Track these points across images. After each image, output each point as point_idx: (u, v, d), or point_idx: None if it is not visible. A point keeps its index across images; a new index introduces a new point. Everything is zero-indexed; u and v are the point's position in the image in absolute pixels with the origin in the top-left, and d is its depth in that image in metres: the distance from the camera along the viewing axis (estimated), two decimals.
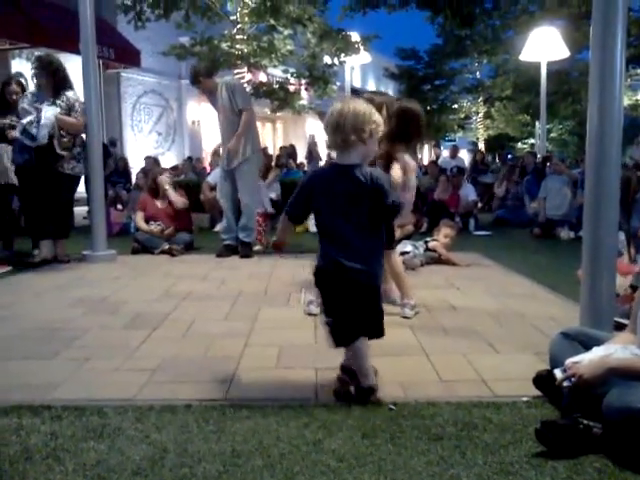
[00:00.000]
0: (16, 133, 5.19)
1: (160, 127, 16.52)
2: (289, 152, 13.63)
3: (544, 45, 12.58)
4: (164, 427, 2.12)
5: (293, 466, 1.85)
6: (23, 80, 6.24)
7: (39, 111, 5.09)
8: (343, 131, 2.30)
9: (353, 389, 2.39)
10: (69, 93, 5.38)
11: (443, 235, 5.71)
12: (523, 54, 13.28)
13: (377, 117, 2.36)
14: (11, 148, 5.45)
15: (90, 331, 3.33)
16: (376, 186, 2.31)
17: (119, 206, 8.58)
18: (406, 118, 3.62)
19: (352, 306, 2.32)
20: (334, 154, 2.46)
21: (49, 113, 5.14)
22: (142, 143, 15.43)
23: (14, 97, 5.60)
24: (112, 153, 10.87)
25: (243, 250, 6.00)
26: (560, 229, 7.81)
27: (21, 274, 5.12)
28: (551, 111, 18.37)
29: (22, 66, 11.20)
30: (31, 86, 6.10)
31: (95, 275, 5.05)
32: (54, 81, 5.33)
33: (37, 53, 11.66)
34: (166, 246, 6.20)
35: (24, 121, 5.10)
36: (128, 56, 12.86)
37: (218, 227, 7.44)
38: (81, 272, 5.13)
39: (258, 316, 3.64)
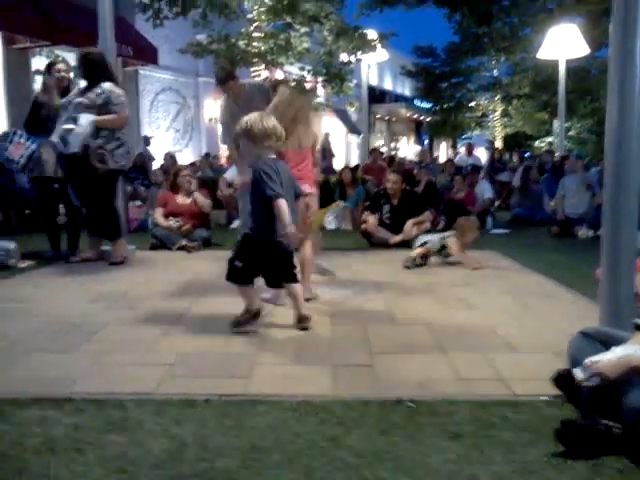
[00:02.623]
0: (54, 138, 4.99)
1: (177, 124, 16.60)
2: None
3: (563, 43, 12.45)
4: (183, 421, 2.14)
5: (311, 462, 1.86)
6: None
7: (76, 120, 4.90)
8: (280, 138, 3.25)
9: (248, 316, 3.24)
10: (105, 85, 5.09)
11: (472, 238, 5.45)
12: (541, 52, 13.15)
13: None
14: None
15: (109, 326, 3.36)
16: None
17: (137, 202, 8.63)
18: None
19: (280, 264, 3.26)
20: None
21: (83, 120, 4.89)
22: (160, 140, 15.51)
23: (62, 74, 5.51)
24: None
25: None
26: (579, 227, 7.75)
27: (43, 269, 5.18)
28: (570, 109, 18.18)
29: (42, 64, 11.32)
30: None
31: (114, 271, 5.09)
32: (88, 72, 5.15)
33: (57, 51, 11.84)
34: (183, 242, 6.25)
35: (64, 127, 4.91)
36: (146, 53, 12.94)
37: (235, 224, 7.48)
38: (101, 267, 5.17)
39: (275, 312, 3.65)
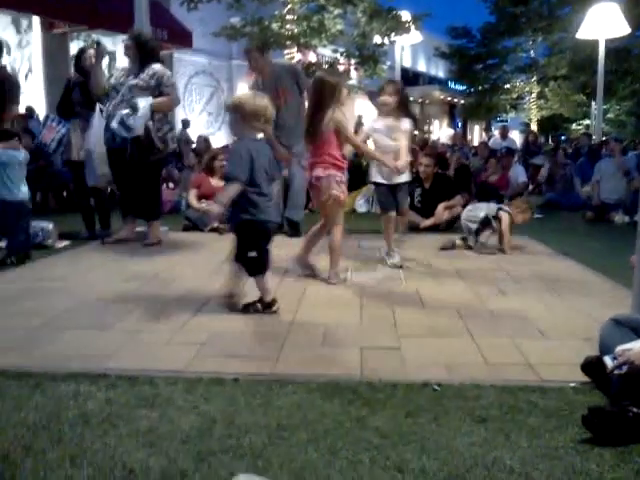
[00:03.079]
0: (113, 124, 5.01)
1: (211, 107, 16.71)
2: None
3: (603, 22, 12.08)
4: (212, 399, 2.19)
5: (337, 441, 1.89)
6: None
7: (134, 104, 4.93)
8: (268, 120, 3.19)
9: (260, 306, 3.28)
10: (156, 66, 5.13)
11: (524, 219, 5.43)
12: (580, 32, 12.78)
13: None
14: (78, 121, 5.52)
15: (142, 305, 3.43)
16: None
17: (170, 184, 8.74)
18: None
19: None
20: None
21: (143, 103, 4.93)
22: (193, 123, 15.65)
23: (93, 60, 5.50)
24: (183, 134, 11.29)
25: (291, 229, 5.99)
26: (614, 213, 7.57)
27: (79, 248, 5.30)
28: (609, 91, 17.68)
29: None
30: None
31: (148, 251, 5.18)
32: (140, 54, 5.15)
33: (94, 35, 12.00)
34: (216, 224, 6.32)
35: (123, 112, 4.94)
36: (180, 37, 13.04)
37: None
38: (135, 248, 5.27)
39: (305, 293, 3.69)
